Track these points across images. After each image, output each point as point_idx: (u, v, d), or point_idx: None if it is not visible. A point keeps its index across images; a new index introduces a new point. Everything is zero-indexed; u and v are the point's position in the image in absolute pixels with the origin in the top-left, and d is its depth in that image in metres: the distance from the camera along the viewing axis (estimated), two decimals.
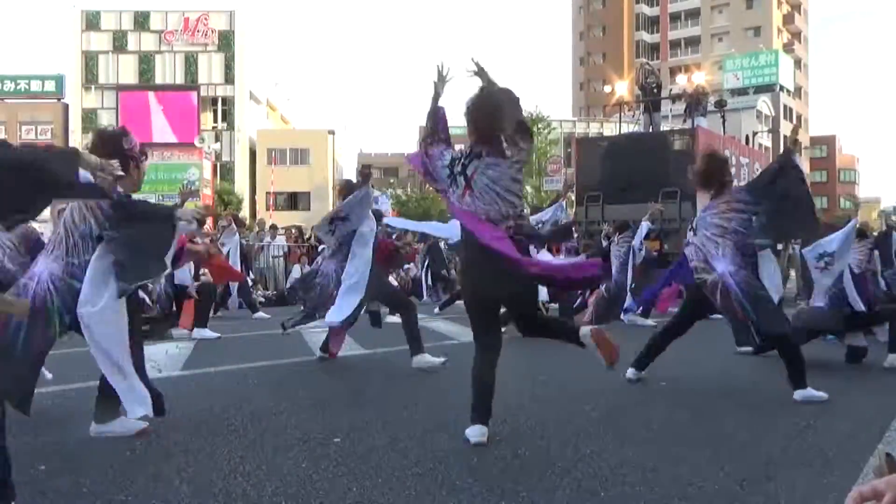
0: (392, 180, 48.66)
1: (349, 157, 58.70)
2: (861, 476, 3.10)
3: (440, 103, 3.89)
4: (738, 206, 4.98)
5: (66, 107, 41.03)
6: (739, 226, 4.92)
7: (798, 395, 4.75)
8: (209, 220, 14.73)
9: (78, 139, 39.95)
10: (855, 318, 6.23)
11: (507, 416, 4.22)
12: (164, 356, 6.58)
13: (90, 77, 41.14)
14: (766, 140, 49.82)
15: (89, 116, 40.50)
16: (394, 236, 9.55)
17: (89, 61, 41.23)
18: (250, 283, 13.21)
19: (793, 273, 16.27)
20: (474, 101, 3.73)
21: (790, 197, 4.94)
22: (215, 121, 41.96)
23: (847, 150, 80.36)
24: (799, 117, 67.76)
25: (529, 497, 2.90)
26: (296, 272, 13.89)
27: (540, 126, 43.20)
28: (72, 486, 3.01)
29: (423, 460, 3.36)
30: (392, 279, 12.32)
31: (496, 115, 3.66)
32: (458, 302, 11.93)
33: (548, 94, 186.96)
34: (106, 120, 39.81)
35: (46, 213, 3.56)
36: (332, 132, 45.67)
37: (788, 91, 63.35)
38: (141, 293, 6.46)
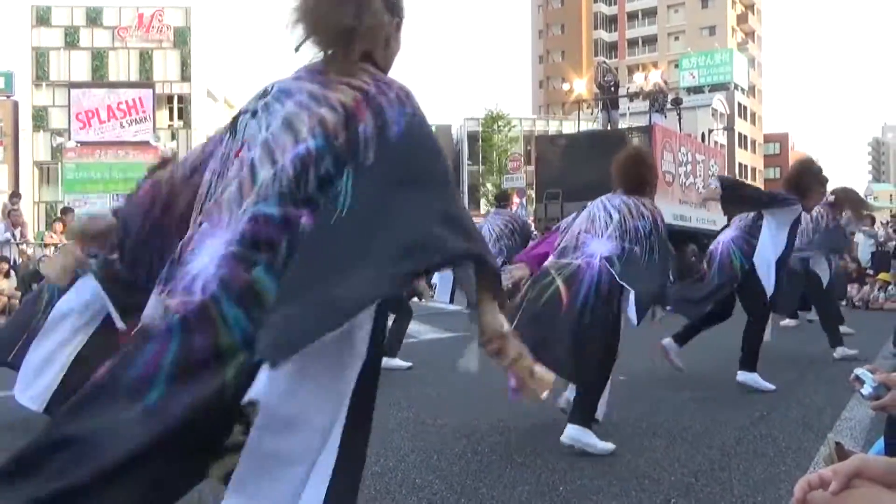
0: None
1: None
2: (812, 464, 3.18)
3: None
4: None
5: (16, 104, 39.91)
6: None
7: (741, 376, 4.89)
8: None
9: (28, 137, 38.97)
10: None
11: (467, 412, 4.23)
12: None
13: (41, 74, 40.08)
14: (721, 137, 50.72)
15: (40, 114, 39.49)
16: None
17: (40, 58, 40.17)
18: None
19: None
20: None
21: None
22: (171, 119, 41.20)
23: (799, 148, 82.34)
24: (753, 115, 69.17)
25: (489, 493, 2.90)
26: None
27: (500, 124, 43.40)
28: None
29: (384, 459, 3.34)
30: None
31: None
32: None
33: (508, 92, 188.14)
34: (58, 118, 38.91)
35: None
36: None
37: (743, 89, 64.56)
38: None
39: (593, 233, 3.91)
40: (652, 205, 4.07)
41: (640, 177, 4.25)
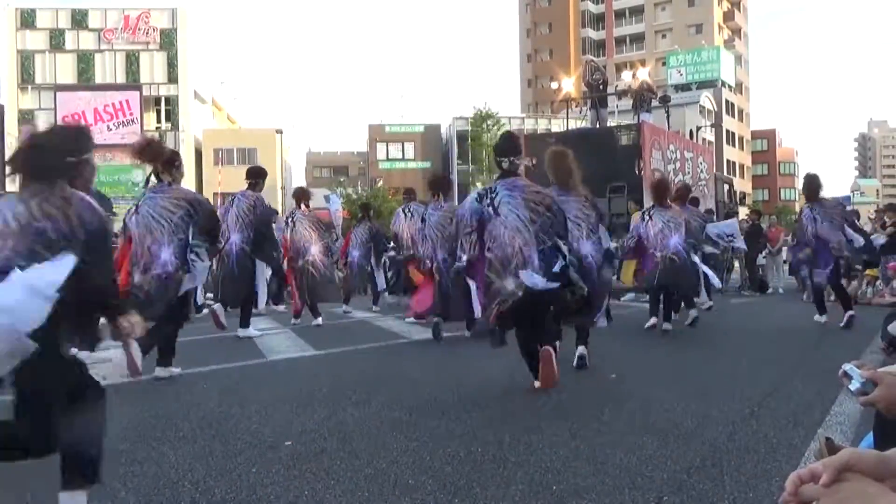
0: (342, 179, 48.29)
1: (297, 156, 57.81)
2: (803, 460, 3.20)
3: None
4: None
5: (2, 108, 39.63)
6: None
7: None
8: None
9: (14, 141, 38.62)
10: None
11: (460, 412, 4.23)
12: (107, 364, 6.41)
13: (26, 77, 39.82)
14: (709, 135, 50.92)
15: (26, 118, 39.18)
16: None
17: (25, 61, 39.90)
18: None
19: (737, 264, 16.70)
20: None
21: None
22: (159, 121, 41.01)
23: (786, 144, 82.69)
24: (740, 112, 69.46)
25: (483, 494, 2.90)
26: None
27: (489, 123, 43.42)
28: (12, 501, 2.91)
29: (376, 460, 3.34)
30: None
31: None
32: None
33: (497, 91, 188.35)
34: (44, 121, 38.56)
35: None
36: (279, 131, 45.11)
37: (730, 86, 64.86)
38: None
39: (670, 233, 7.91)
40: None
41: (668, 194, 8.42)
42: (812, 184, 8.64)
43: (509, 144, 5.21)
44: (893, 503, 0.88)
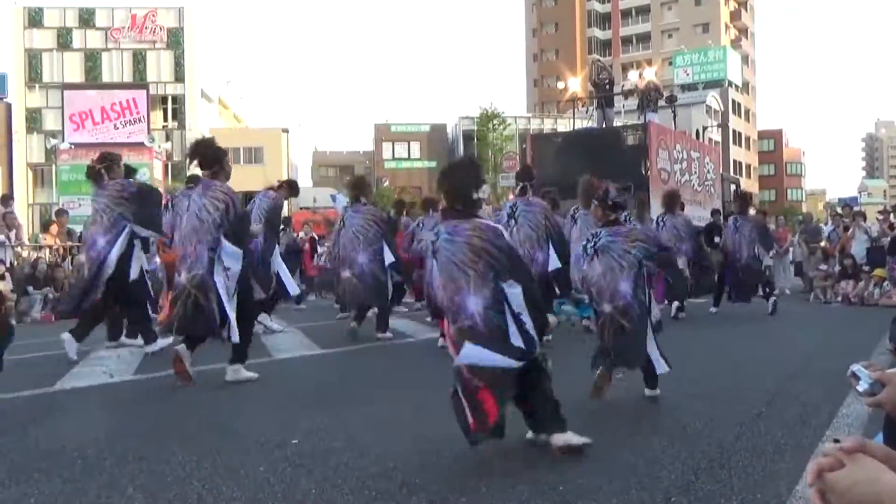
0: (348, 178, 48.28)
1: (304, 155, 57.89)
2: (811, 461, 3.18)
3: None
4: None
5: (9, 106, 39.76)
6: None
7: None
8: None
9: (22, 139, 38.79)
10: None
11: None
12: (115, 361, 6.44)
13: (34, 76, 39.94)
14: (715, 135, 50.77)
15: (33, 116, 39.36)
16: None
17: (32, 59, 40.03)
18: None
19: None
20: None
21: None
22: (165, 120, 41.09)
23: (793, 144, 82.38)
24: (747, 112, 69.25)
25: (489, 493, 2.91)
26: None
27: (495, 122, 43.37)
28: (20, 497, 2.92)
29: (382, 459, 3.34)
30: None
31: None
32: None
33: (503, 91, 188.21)
34: (51, 119, 38.76)
35: None
36: (286, 130, 45.14)
37: (736, 86, 64.65)
38: None
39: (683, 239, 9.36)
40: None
41: (678, 202, 10.03)
42: (744, 200, 10.93)
43: (526, 173, 7.28)
44: (893, 480, 0.92)
